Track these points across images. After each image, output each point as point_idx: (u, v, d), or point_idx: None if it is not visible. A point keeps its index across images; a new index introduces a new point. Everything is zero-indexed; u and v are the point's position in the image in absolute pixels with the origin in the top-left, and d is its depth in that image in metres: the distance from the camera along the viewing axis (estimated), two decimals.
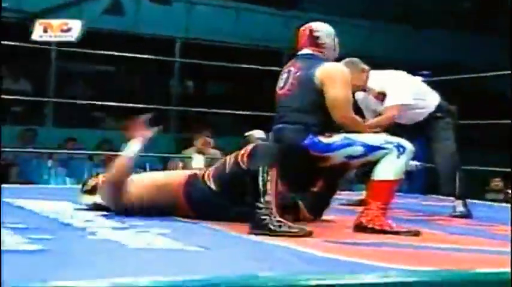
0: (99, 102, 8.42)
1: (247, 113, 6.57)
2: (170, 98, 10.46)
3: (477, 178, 7.27)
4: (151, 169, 6.74)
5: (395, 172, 3.33)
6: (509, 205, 5.43)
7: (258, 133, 6.26)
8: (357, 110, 4.08)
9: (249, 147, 3.22)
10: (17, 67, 9.61)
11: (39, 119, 9.91)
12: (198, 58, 8.09)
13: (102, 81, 10.54)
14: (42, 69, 9.79)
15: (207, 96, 11.64)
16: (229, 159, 3.30)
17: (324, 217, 3.69)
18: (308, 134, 3.46)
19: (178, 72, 10.78)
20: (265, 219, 3.00)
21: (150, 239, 2.68)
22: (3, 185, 4.22)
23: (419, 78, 4.82)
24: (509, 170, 5.92)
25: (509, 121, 5.43)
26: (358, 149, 3.41)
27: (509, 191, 8.38)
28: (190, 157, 6.34)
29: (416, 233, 3.24)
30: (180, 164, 6.63)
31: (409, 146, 3.39)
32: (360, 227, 3.27)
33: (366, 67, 4.44)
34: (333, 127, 3.49)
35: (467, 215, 4.29)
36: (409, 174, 4.95)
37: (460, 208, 4.34)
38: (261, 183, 3.06)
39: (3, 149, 6.14)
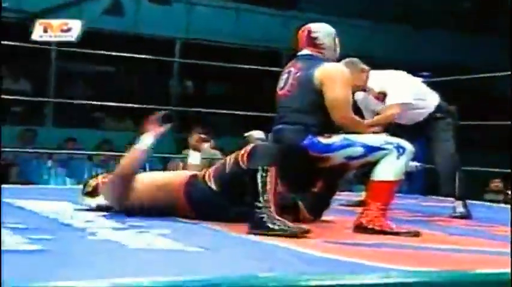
0: (99, 103, 8.42)
1: (247, 113, 6.57)
2: (170, 99, 10.46)
3: (477, 179, 7.27)
4: (151, 170, 6.74)
5: (395, 172, 3.33)
6: (508, 206, 5.43)
7: (257, 134, 6.27)
8: (356, 110, 4.08)
9: (249, 147, 3.23)
10: (17, 67, 9.61)
11: (39, 119, 9.92)
12: (198, 58, 8.09)
13: (102, 82, 10.55)
14: (42, 70, 9.80)
15: (207, 96, 11.65)
16: (229, 159, 3.31)
17: (324, 218, 3.69)
18: (307, 134, 3.46)
19: (178, 73, 10.78)
20: (263, 219, 3.00)
21: (150, 240, 2.68)
22: (3, 186, 4.21)
23: (419, 79, 4.82)
24: (509, 171, 5.91)
25: (510, 122, 5.43)
26: (358, 150, 3.41)
27: (509, 192, 8.37)
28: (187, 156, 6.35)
29: (416, 234, 3.24)
30: (181, 164, 6.64)
31: (409, 146, 3.39)
32: (359, 228, 3.27)
33: (366, 67, 4.44)
34: (332, 128, 3.49)
35: (467, 215, 4.29)
36: (409, 175, 4.95)
37: (460, 209, 4.34)
38: (260, 183, 3.06)
39: (3, 149, 6.14)
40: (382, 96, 4.41)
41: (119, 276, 1.91)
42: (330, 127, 3.49)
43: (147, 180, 3.45)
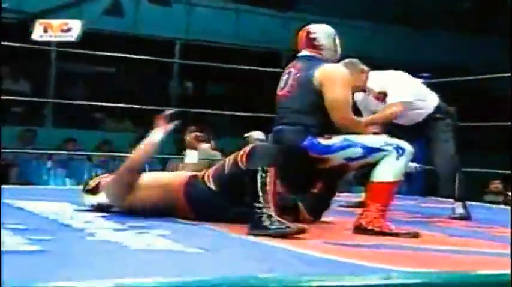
0: (99, 103, 8.42)
1: (247, 114, 6.57)
2: (170, 99, 10.46)
3: (477, 180, 7.27)
4: (150, 170, 6.74)
5: (394, 173, 3.33)
6: (508, 207, 5.43)
7: (257, 134, 6.26)
8: (356, 111, 4.08)
9: (248, 148, 3.23)
10: (17, 68, 9.61)
11: (38, 120, 9.92)
12: (198, 59, 8.10)
13: (102, 82, 10.55)
14: (42, 70, 9.80)
15: (207, 97, 11.65)
16: (229, 160, 3.31)
17: (324, 219, 3.69)
18: (307, 135, 3.46)
19: (178, 74, 10.78)
20: (262, 219, 3.00)
21: (150, 241, 2.68)
22: (3, 186, 4.21)
23: (419, 80, 4.82)
24: (509, 172, 5.91)
25: (509, 123, 5.43)
26: (358, 151, 3.41)
27: (509, 194, 8.38)
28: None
29: (416, 235, 3.24)
30: (180, 165, 6.63)
31: (408, 147, 3.39)
32: (359, 229, 3.27)
33: (365, 68, 4.45)
34: (332, 129, 3.49)
35: (466, 217, 4.29)
36: (408, 176, 4.95)
37: (460, 210, 4.34)
38: (259, 183, 3.07)
39: (3, 150, 6.14)
40: (382, 97, 4.42)
41: (118, 277, 1.91)
42: (330, 128, 3.49)
43: (147, 180, 3.45)
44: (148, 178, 3.48)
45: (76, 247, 2.54)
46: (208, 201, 3.34)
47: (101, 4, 9.84)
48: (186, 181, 3.42)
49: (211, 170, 3.43)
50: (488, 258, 2.78)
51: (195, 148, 6.43)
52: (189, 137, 6.62)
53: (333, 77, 3.51)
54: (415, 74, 4.74)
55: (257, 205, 3.03)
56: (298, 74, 3.58)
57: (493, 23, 11.87)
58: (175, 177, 3.52)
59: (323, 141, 3.44)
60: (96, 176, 3.77)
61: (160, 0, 10.10)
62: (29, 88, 9.95)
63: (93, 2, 9.83)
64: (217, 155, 6.54)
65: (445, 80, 6.23)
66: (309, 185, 3.65)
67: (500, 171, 6.44)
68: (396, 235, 3.21)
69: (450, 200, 4.48)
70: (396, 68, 4.59)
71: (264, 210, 3.02)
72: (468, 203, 4.46)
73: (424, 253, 2.82)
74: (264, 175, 3.08)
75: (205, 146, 6.64)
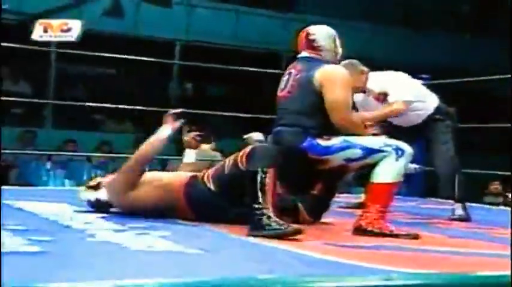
0: (99, 104, 8.43)
1: (247, 115, 6.57)
2: (169, 101, 10.46)
3: (477, 181, 7.27)
4: (150, 170, 6.74)
5: (394, 174, 3.33)
6: (508, 208, 5.43)
7: (256, 135, 6.26)
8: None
9: (248, 148, 3.23)
10: (16, 69, 9.61)
11: (38, 121, 9.92)
12: (198, 60, 8.09)
13: (102, 84, 10.55)
14: (42, 71, 9.80)
15: (207, 98, 11.65)
16: (229, 161, 3.32)
17: (323, 220, 3.69)
18: (307, 136, 3.46)
19: (178, 75, 10.78)
20: (261, 220, 3.01)
21: (150, 242, 2.68)
22: (2, 187, 4.21)
23: (418, 81, 4.83)
24: (508, 173, 5.91)
25: (509, 124, 5.43)
26: (357, 152, 3.41)
27: (509, 195, 8.38)
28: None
29: (416, 236, 3.24)
30: (181, 165, 6.63)
31: (408, 148, 3.39)
32: (359, 230, 3.27)
33: (365, 69, 4.45)
34: (332, 130, 3.49)
35: (466, 218, 4.29)
36: (408, 177, 4.95)
37: (459, 211, 4.34)
38: (258, 184, 3.07)
39: (2, 151, 6.14)
40: (382, 97, 4.42)
41: (119, 278, 1.91)
42: (330, 129, 3.49)
43: (148, 178, 3.46)
44: (149, 176, 3.50)
45: (76, 248, 2.54)
46: (208, 202, 3.34)
47: (101, 5, 9.84)
48: (186, 181, 3.42)
49: (211, 171, 3.43)
50: (488, 259, 2.79)
51: (194, 148, 6.43)
52: (188, 136, 6.62)
53: (333, 78, 3.51)
54: (414, 75, 4.74)
55: (256, 206, 3.04)
56: (298, 75, 3.58)
57: (492, 24, 11.88)
58: (175, 177, 3.52)
59: (322, 142, 3.45)
60: (96, 177, 3.77)
61: (158, 1, 10.09)
62: (29, 89, 9.95)
63: (93, 3, 9.84)
64: (218, 156, 6.54)
65: (445, 81, 6.23)
66: (309, 186, 3.65)
67: (499, 172, 6.44)
68: (396, 236, 3.21)
69: (450, 201, 4.49)
70: (396, 69, 4.59)
71: (264, 211, 3.02)
72: (468, 204, 4.46)
73: (423, 254, 2.82)
74: (263, 175, 3.08)
75: (205, 147, 6.64)
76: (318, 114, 3.49)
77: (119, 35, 9.84)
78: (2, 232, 2.58)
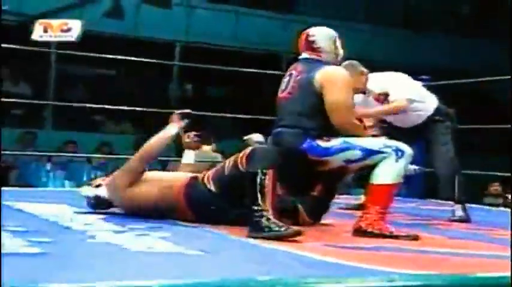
0: (99, 106, 8.43)
1: (246, 116, 6.57)
2: (169, 102, 10.47)
3: (476, 183, 7.27)
4: (150, 170, 6.74)
5: (394, 175, 3.33)
6: (508, 210, 5.43)
7: (256, 137, 6.27)
8: None
9: (248, 150, 3.24)
10: (17, 70, 9.61)
11: (38, 122, 9.92)
12: (198, 62, 8.10)
13: (102, 85, 10.55)
14: (42, 72, 9.80)
15: (206, 99, 11.65)
16: (229, 162, 3.32)
17: (323, 221, 3.69)
18: (306, 138, 3.46)
19: (178, 76, 10.79)
20: (260, 222, 3.01)
21: (150, 243, 2.68)
22: (2, 188, 4.22)
23: (418, 83, 4.83)
24: (508, 174, 5.91)
25: (509, 125, 5.44)
26: (357, 153, 3.40)
27: (509, 196, 8.38)
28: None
29: (416, 237, 3.24)
30: (181, 166, 6.63)
31: (407, 150, 3.39)
32: (359, 231, 3.27)
33: (365, 70, 4.45)
34: (332, 131, 3.49)
35: (466, 219, 4.29)
36: (407, 178, 4.96)
37: (459, 212, 4.34)
38: (258, 186, 3.07)
39: (2, 152, 6.14)
40: (382, 98, 4.42)
41: (119, 279, 1.91)
42: (330, 130, 3.49)
43: (148, 178, 3.47)
44: (150, 176, 3.51)
45: (76, 249, 2.55)
46: (208, 203, 3.34)
47: (102, 6, 9.84)
48: (187, 182, 3.42)
49: (211, 172, 3.43)
50: (487, 260, 2.79)
51: (193, 149, 6.43)
52: (187, 137, 6.62)
53: (334, 79, 3.51)
54: (414, 76, 4.74)
55: (255, 207, 3.04)
56: (299, 76, 3.58)
57: (492, 25, 11.88)
58: (175, 178, 3.52)
59: (322, 143, 3.45)
60: (96, 178, 3.79)
61: (158, 2, 10.09)
62: (29, 90, 9.95)
63: (93, 4, 9.84)
64: (218, 157, 6.54)
65: (445, 82, 6.23)
66: (309, 188, 3.65)
67: (499, 173, 6.44)
68: (396, 237, 3.21)
69: (450, 202, 4.49)
70: (396, 70, 4.59)
71: (263, 213, 3.02)
72: (468, 205, 4.46)
73: (423, 255, 2.82)
74: (263, 177, 3.09)
75: (206, 148, 6.64)
76: (318, 116, 3.49)
77: (119, 36, 9.84)
78: (2, 233, 2.58)
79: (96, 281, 1.87)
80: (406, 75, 4.56)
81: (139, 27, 10.08)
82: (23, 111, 9.92)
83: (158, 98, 10.55)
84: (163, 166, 7.84)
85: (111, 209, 3.59)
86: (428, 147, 4.54)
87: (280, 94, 3.67)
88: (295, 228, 3.04)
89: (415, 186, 6.18)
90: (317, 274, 2.25)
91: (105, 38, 9.36)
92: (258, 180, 3.08)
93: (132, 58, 6.51)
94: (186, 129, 6.47)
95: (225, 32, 10.55)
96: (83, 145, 8.86)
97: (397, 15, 12.01)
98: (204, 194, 3.36)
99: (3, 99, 5.90)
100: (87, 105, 8.14)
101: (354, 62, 4.40)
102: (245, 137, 6.44)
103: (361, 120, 3.70)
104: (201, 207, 3.36)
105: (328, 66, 3.57)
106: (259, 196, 3.05)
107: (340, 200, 4.58)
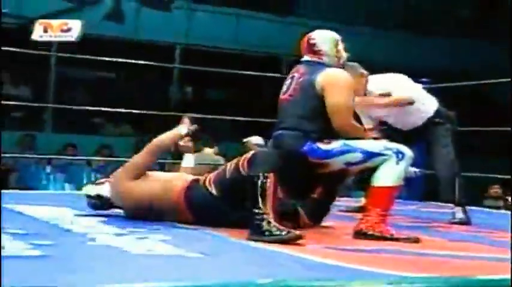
0: (99, 108, 8.44)
1: (247, 119, 6.57)
2: (170, 104, 10.47)
3: (477, 185, 7.27)
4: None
5: (394, 178, 3.33)
6: (508, 212, 5.43)
7: (256, 139, 6.26)
8: (354, 115, 4.08)
9: (249, 154, 3.24)
10: (17, 73, 9.62)
11: (38, 125, 9.92)
12: (198, 64, 8.10)
13: (102, 87, 10.56)
14: (42, 75, 9.81)
15: (207, 102, 11.66)
16: (230, 165, 3.32)
17: (324, 223, 3.69)
18: (307, 140, 3.46)
19: (178, 79, 10.79)
20: (261, 225, 3.01)
21: (150, 246, 2.68)
22: (2, 191, 4.22)
23: (419, 85, 4.83)
24: (508, 177, 5.91)
25: (509, 128, 5.44)
26: (357, 156, 3.40)
27: (509, 198, 8.37)
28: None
29: (416, 240, 3.24)
30: (181, 168, 6.63)
31: (408, 152, 3.39)
32: (359, 234, 3.27)
33: (365, 72, 4.45)
34: (332, 133, 3.49)
35: (466, 221, 4.29)
36: (408, 180, 4.96)
37: (460, 215, 4.34)
38: (259, 189, 3.07)
39: (2, 155, 6.14)
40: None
41: (119, 282, 1.91)
42: (330, 133, 3.48)
43: (150, 177, 3.48)
44: (152, 175, 3.54)
45: (77, 252, 2.54)
46: (209, 206, 3.34)
47: (102, 9, 9.85)
48: (187, 185, 3.42)
49: (212, 175, 3.43)
50: (488, 263, 2.78)
51: (189, 152, 6.41)
52: (183, 141, 6.61)
53: (335, 82, 3.51)
54: (414, 78, 4.75)
55: (256, 210, 3.04)
56: (301, 79, 3.58)
57: (492, 27, 11.89)
58: (176, 181, 3.52)
59: (323, 146, 3.44)
60: (96, 180, 3.79)
61: (158, 5, 10.10)
62: (29, 93, 9.96)
63: (93, 7, 9.85)
64: (220, 160, 6.54)
65: (445, 85, 6.23)
66: (309, 190, 3.65)
67: (499, 176, 6.44)
68: (396, 239, 3.21)
69: (450, 205, 4.48)
70: (396, 72, 4.59)
71: (264, 216, 3.02)
72: (468, 207, 4.46)
73: (424, 258, 2.82)
74: (264, 180, 3.08)
75: (208, 151, 6.63)
76: (319, 118, 3.49)
77: (119, 39, 9.85)
78: (2, 235, 2.58)
79: (97, 283, 1.88)
80: (406, 76, 4.56)
81: (139, 30, 10.09)
82: (23, 113, 9.93)
83: (158, 100, 10.56)
84: (162, 169, 7.84)
85: (111, 211, 3.59)
86: (429, 149, 4.54)
87: (281, 96, 3.67)
88: (296, 232, 3.03)
89: (416, 188, 6.18)
90: (318, 277, 2.25)
91: (105, 41, 9.36)
92: (259, 183, 3.08)
93: (132, 61, 6.52)
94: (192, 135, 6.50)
95: (225, 35, 10.56)
96: (83, 148, 8.87)
97: (397, 17, 12.02)
98: (205, 197, 3.36)
99: (3, 102, 5.90)
100: (87, 108, 8.15)
101: (354, 64, 4.39)
102: (244, 140, 6.44)
103: (361, 123, 3.70)
104: (202, 210, 3.36)
105: (329, 69, 3.57)
106: (260, 199, 3.05)
107: (341, 202, 4.57)
